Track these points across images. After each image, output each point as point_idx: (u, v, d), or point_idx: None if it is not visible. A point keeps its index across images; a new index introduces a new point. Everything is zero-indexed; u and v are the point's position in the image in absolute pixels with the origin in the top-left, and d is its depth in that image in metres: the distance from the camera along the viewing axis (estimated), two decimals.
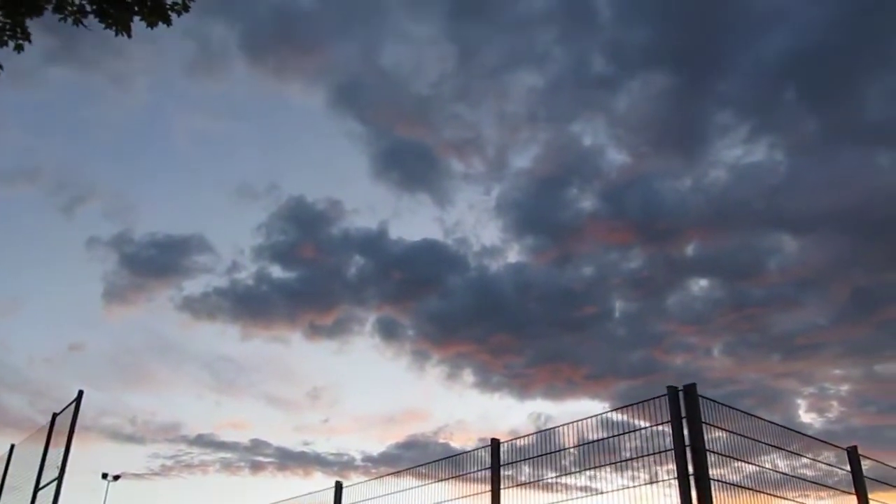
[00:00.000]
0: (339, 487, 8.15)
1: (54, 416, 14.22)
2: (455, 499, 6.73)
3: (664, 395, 5.49)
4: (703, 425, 5.34)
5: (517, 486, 6.36)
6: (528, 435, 6.37)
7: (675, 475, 5.20)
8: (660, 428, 5.45)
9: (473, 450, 6.81)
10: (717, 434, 5.52)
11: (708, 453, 5.25)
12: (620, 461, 5.67)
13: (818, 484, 6.07)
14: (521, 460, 6.38)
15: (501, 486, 6.45)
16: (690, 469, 5.20)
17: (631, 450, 5.65)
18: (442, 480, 6.97)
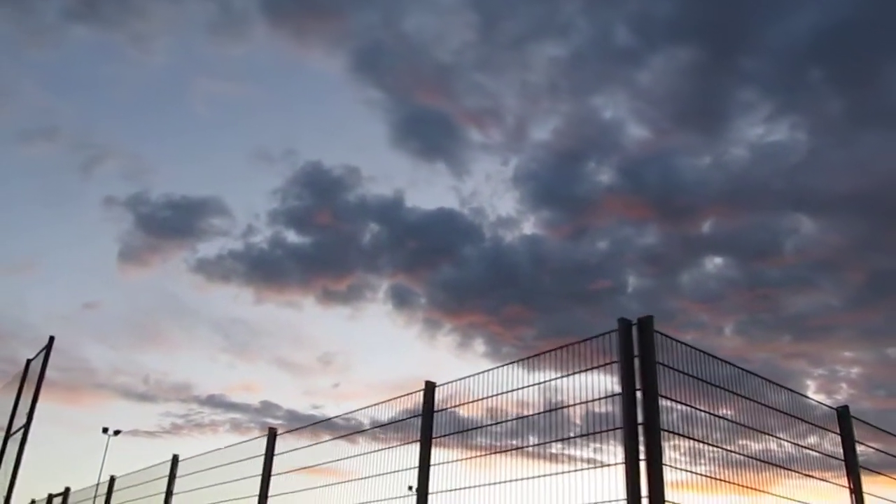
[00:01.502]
0: (272, 434, 7.37)
1: (28, 362, 13.65)
2: (379, 450, 5.90)
3: (614, 329, 4.57)
4: (659, 367, 4.42)
5: (448, 435, 5.49)
6: (465, 378, 5.48)
7: (623, 423, 4.30)
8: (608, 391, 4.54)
9: (405, 395, 5.95)
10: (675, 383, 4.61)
11: (662, 399, 4.34)
12: (551, 409, 4.77)
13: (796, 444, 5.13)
14: (455, 406, 5.50)
15: (434, 434, 5.59)
16: (640, 418, 4.29)
17: (569, 395, 4.75)
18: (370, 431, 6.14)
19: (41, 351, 14.79)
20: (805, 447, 5.20)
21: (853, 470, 5.46)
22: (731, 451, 4.54)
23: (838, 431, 5.63)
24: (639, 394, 4.33)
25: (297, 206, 37.43)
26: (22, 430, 11.07)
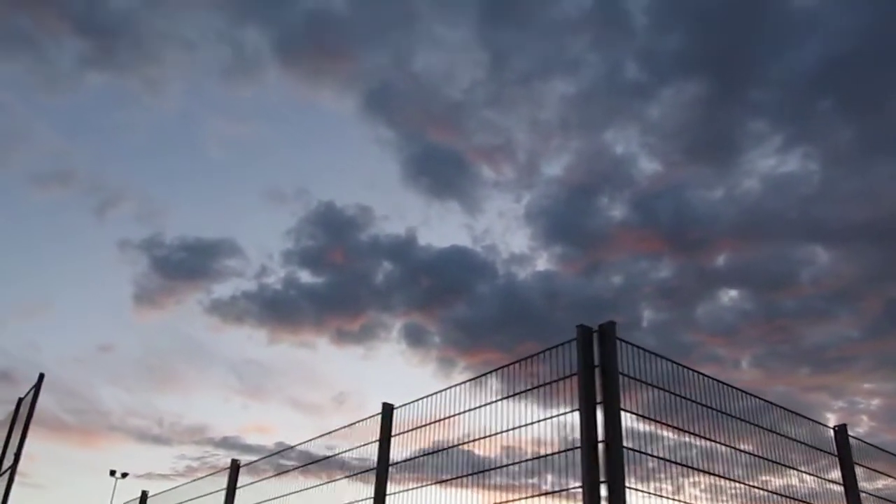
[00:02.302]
0: (234, 467, 6.93)
1: (19, 400, 13.36)
2: (331, 480, 5.45)
3: (574, 339, 4.14)
4: (623, 378, 3.98)
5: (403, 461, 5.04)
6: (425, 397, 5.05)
7: (581, 441, 3.84)
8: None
9: (361, 420, 5.51)
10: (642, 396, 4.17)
11: (625, 413, 3.89)
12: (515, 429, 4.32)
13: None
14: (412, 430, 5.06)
15: (392, 461, 5.14)
16: (600, 435, 3.84)
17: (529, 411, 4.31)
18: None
19: (32, 388, 14.50)
20: (795, 468, 4.70)
21: (852, 492, 4.94)
22: (705, 473, 4.06)
23: (835, 452, 5.12)
24: (599, 411, 3.90)
25: (310, 247, 37.31)
26: (10, 470, 10.73)
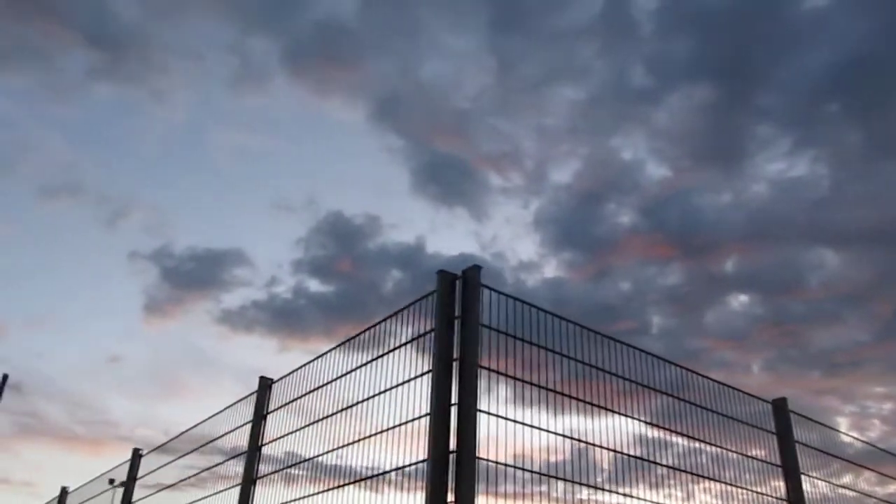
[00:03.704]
0: (135, 456, 6.39)
1: None
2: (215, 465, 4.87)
3: (434, 291, 3.52)
4: (483, 329, 3.35)
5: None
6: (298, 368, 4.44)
7: (431, 406, 3.21)
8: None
9: (239, 400, 4.93)
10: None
11: (483, 371, 3.26)
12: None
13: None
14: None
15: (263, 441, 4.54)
16: (454, 398, 3.22)
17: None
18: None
19: None
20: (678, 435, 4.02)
21: (792, 475, 4.23)
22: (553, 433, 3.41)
23: (773, 430, 4.41)
24: (455, 365, 3.27)
25: (319, 256, 37.16)
26: None
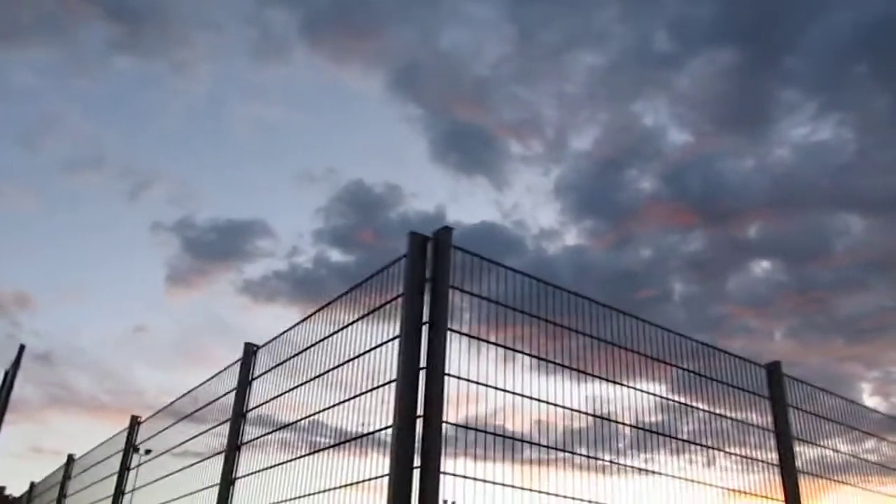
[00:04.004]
0: (133, 423, 6.43)
1: (6, 373, 13.32)
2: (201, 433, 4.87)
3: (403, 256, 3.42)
4: (453, 292, 3.26)
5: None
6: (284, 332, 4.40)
7: (399, 371, 3.13)
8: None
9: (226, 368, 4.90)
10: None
11: (453, 334, 3.18)
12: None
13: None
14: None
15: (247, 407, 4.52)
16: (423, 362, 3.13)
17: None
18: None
19: (15, 359, 14.41)
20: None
21: (785, 441, 4.12)
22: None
23: (767, 395, 4.30)
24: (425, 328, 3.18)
25: (340, 225, 37.09)
26: None
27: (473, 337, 3.24)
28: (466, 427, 3.05)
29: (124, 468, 6.18)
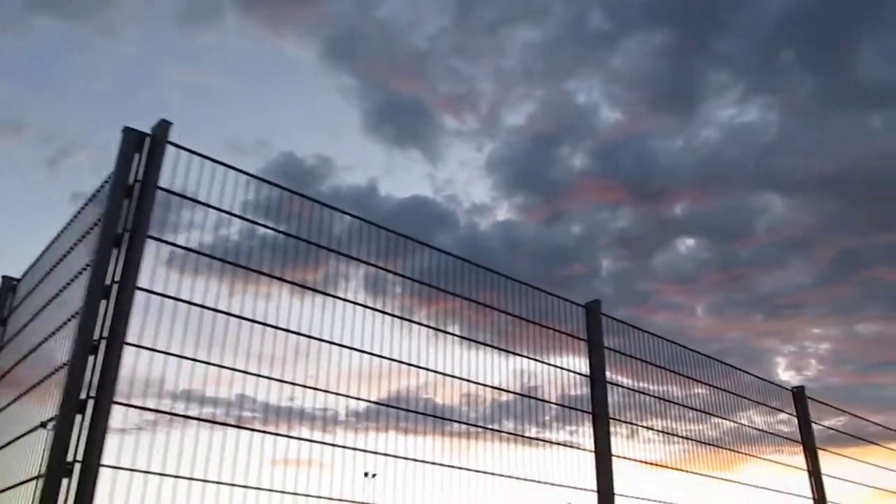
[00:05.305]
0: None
1: None
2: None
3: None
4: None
5: None
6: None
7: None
8: None
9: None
10: None
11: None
12: None
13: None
14: None
15: None
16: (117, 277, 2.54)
17: None
18: None
19: None
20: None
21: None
22: None
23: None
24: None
25: (270, 198, 36.18)
26: None
27: (183, 249, 2.66)
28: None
29: None
